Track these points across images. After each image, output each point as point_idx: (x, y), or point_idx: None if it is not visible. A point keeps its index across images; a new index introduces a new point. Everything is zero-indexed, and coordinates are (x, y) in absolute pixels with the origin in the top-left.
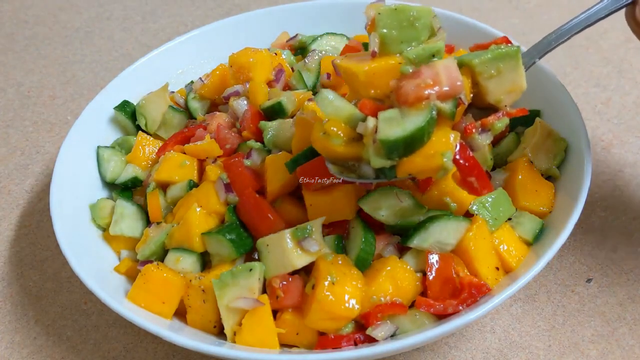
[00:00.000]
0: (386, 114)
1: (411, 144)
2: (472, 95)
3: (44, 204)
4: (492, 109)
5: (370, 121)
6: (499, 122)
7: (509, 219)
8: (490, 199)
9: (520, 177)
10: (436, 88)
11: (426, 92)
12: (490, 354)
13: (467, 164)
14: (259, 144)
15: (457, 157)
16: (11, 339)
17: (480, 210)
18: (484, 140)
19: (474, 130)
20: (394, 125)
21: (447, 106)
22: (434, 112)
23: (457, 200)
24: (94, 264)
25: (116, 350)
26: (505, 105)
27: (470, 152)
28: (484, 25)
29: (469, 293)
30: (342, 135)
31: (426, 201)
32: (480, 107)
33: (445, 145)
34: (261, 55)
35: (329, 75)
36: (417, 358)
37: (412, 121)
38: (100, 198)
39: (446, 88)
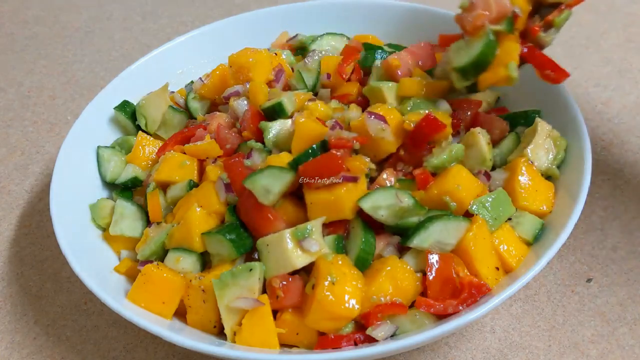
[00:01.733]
0: (455, 45)
1: (479, 65)
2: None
3: (44, 204)
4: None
5: (447, 57)
6: (561, 15)
7: (509, 219)
8: (490, 199)
9: (520, 177)
10: (487, 14)
11: (480, 22)
12: (490, 354)
13: (539, 60)
14: (259, 144)
15: (531, 56)
16: (11, 339)
17: (480, 210)
18: (549, 36)
19: (538, 29)
20: (462, 54)
21: (502, 26)
22: (491, 36)
23: (457, 200)
24: (94, 264)
25: (116, 350)
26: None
27: (540, 49)
28: None
29: (469, 293)
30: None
31: (426, 201)
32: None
33: (507, 57)
34: (260, 55)
35: (328, 76)
36: (417, 358)
37: (475, 47)
38: (100, 198)
39: (495, 14)
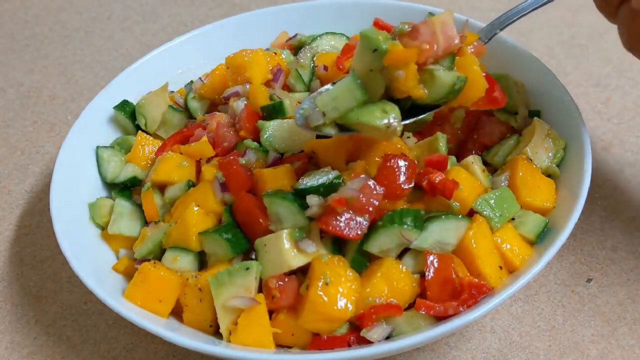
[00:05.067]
0: None
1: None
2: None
3: (44, 204)
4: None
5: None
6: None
7: (512, 219)
8: (494, 196)
9: (520, 173)
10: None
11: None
12: (490, 354)
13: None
14: (255, 143)
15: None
16: (11, 339)
17: (484, 207)
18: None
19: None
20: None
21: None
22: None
23: (460, 200)
24: (94, 263)
25: (116, 350)
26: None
27: None
28: (484, 25)
29: (469, 294)
30: None
31: (427, 201)
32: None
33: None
34: (257, 55)
35: (325, 67)
36: (416, 358)
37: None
38: (99, 197)
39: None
